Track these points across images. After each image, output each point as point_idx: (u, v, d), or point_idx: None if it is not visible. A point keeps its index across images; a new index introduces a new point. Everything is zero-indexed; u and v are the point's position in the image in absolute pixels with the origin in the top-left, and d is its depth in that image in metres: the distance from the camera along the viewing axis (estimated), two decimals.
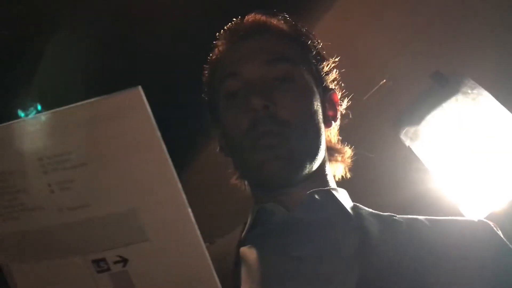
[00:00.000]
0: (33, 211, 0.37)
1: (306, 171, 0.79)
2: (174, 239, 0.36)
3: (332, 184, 0.86)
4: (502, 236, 0.74)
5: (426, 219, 0.77)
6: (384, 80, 1.55)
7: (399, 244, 0.71)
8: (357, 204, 0.82)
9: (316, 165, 0.81)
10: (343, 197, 0.82)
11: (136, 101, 0.34)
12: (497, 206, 1.35)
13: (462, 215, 1.35)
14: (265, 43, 0.84)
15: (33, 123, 0.37)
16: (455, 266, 0.66)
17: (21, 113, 1.62)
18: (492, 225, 0.75)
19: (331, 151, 0.91)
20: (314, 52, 0.88)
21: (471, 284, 0.65)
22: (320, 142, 0.82)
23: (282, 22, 0.87)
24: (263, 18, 0.87)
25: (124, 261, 0.37)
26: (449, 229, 0.75)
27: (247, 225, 0.80)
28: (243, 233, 0.79)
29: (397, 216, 0.78)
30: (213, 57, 0.89)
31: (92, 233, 0.37)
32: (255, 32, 0.85)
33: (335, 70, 0.91)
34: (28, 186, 0.37)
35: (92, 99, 0.35)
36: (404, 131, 1.49)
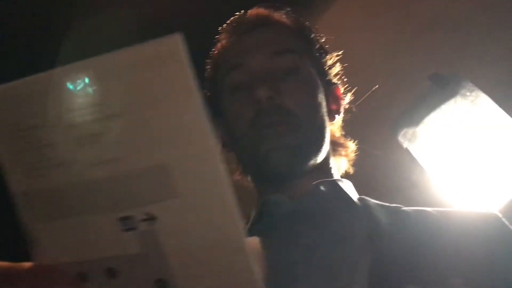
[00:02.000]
0: (60, 167, 0.36)
1: (312, 162, 0.79)
2: (205, 197, 0.35)
3: (337, 176, 0.86)
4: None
5: (434, 210, 0.76)
6: (377, 86, 1.56)
7: (409, 231, 0.71)
8: (364, 196, 0.82)
9: (321, 157, 0.81)
10: (349, 188, 0.82)
11: (174, 48, 0.32)
12: (495, 208, 1.35)
13: None
14: (269, 36, 0.84)
15: (64, 73, 0.35)
16: (466, 254, 0.66)
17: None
18: (501, 217, 0.75)
19: (335, 145, 0.91)
20: (318, 46, 0.88)
21: (481, 273, 0.64)
22: (325, 134, 0.82)
23: (285, 16, 0.87)
24: (266, 11, 0.87)
25: (152, 219, 0.35)
26: (458, 219, 0.75)
27: (251, 218, 0.79)
28: (248, 226, 0.78)
29: (404, 207, 0.78)
30: (216, 51, 0.89)
31: (121, 189, 0.35)
32: (259, 25, 0.85)
33: (338, 64, 0.91)
34: (55, 140, 0.36)
35: (129, 47, 0.33)
36: (402, 132, 1.49)
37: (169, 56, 0.32)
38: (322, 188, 0.77)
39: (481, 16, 1.41)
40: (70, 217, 0.37)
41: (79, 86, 0.34)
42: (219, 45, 0.89)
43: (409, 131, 1.48)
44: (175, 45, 0.32)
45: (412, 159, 1.48)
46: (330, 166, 0.85)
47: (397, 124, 1.50)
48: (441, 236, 0.69)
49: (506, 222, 0.74)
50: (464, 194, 1.40)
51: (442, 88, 1.43)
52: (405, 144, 1.49)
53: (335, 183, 0.79)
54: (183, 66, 0.32)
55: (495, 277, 0.64)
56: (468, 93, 1.41)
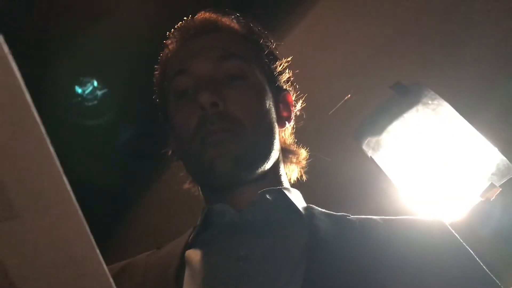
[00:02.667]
0: None
1: (258, 170, 0.77)
2: (49, 214, 0.32)
3: (286, 184, 0.84)
4: (456, 234, 0.73)
5: (380, 218, 0.75)
6: (349, 95, 1.57)
7: (350, 241, 0.69)
8: (311, 205, 0.81)
9: (269, 165, 0.79)
10: (296, 197, 0.80)
11: None
12: (457, 215, 1.36)
13: None
14: (216, 41, 0.83)
15: None
16: (409, 263, 0.65)
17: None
18: (447, 224, 0.74)
19: (286, 152, 0.90)
20: (267, 51, 0.87)
21: (424, 281, 0.63)
22: (273, 141, 0.80)
23: (234, 20, 0.87)
24: (214, 16, 0.86)
25: None
26: (403, 227, 0.73)
27: (196, 228, 0.77)
28: (191, 236, 0.76)
29: (351, 216, 0.77)
30: (163, 57, 0.88)
31: None
32: (206, 30, 0.84)
33: (288, 70, 0.90)
34: None
35: None
36: (366, 141, 1.49)
37: None
38: (268, 196, 0.76)
39: (443, 25, 1.44)
40: None
41: None
42: (166, 50, 0.88)
43: (373, 139, 1.49)
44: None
45: (377, 167, 1.48)
46: (279, 173, 0.84)
47: (361, 133, 1.51)
48: (385, 246, 0.68)
49: (450, 228, 0.73)
50: (428, 201, 1.41)
51: (403, 96, 1.44)
52: (369, 153, 1.50)
53: (280, 192, 0.77)
54: (7, 70, 0.29)
55: (439, 286, 0.63)
56: (429, 102, 1.43)
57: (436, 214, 1.31)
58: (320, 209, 0.80)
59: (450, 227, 0.74)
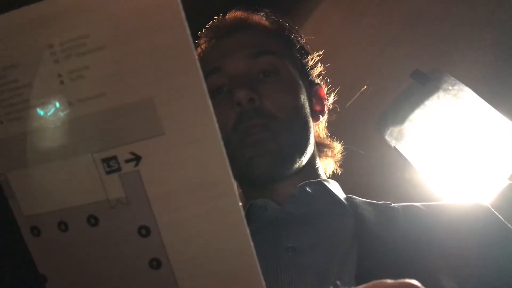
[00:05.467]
0: (39, 108, 0.33)
1: (296, 165, 0.78)
2: (191, 135, 0.33)
3: (324, 177, 0.84)
4: (501, 217, 0.73)
5: (422, 204, 0.75)
6: (365, 87, 1.56)
7: (396, 227, 0.69)
8: (351, 195, 0.81)
9: (305, 159, 0.79)
10: (335, 188, 0.80)
11: None
12: (486, 200, 1.35)
13: None
14: (248, 38, 0.83)
15: (42, 6, 0.32)
16: (456, 249, 0.64)
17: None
18: (491, 208, 0.74)
19: (320, 146, 0.90)
20: (298, 46, 0.87)
21: (472, 267, 0.62)
22: (309, 135, 0.81)
23: (264, 17, 0.87)
24: (244, 14, 0.86)
25: (137, 158, 0.33)
26: (447, 213, 0.73)
27: None
28: None
29: (393, 204, 0.77)
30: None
31: (104, 127, 0.33)
32: (237, 28, 0.84)
33: (320, 64, 0.90)
34: (34, 79, 0.33)
35: None
36: (389, 131, 1.49)
37: None
38: (308, 189, 0.76)
39: (460, 9, 1.43)
40: (49, 161, 0.34)
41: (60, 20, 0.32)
42: (198, 49, 0.88)
43: (395, 129, 1.48)
44: None
45: (401, 157, 1.48)
46: (316, 167, 0.84)
47: (383, 123, 1.50)
48: (431, 232, 0.67)
49: (496, 213, 0.72)
50: (455, 188, 1.40)
51: (424, 84, 1.44)
52: (393, 143, 1.49)
53: (321, 184, 0.78)
54: None
55: (487, 271, 0.62)
56: (450, 87, 1.42)
57: (468, 199, 1.31)
58: (361, 198, 0.80)
59: (494, 211, 0.73)
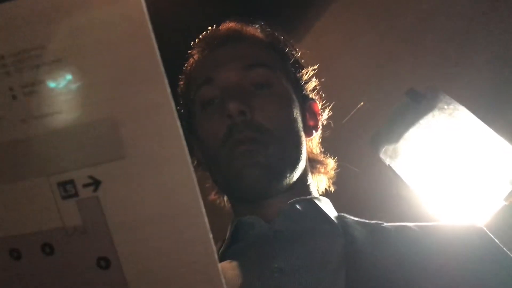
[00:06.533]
0: None
1: (287, 180, 0.75)
2: (157, 158, 0.30)
3: (315, 194, 0.82)
4: (496, 240, 0.70)
5: (415, 225, 0.73)
6: (362, 103, 1.55)
7: (388, 248, 0.67)
8: (343, 214, 0.78)
9: (297, 175, 0.77)
10: (326, 206, 0.78)
11: None
12: (481, 220, 1.33)
13: None
14: (241, 50, 0.81)
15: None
16: (450, 272, 0.62)
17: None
18: (486, 229, 0.71)
19: (313, 162, 0.88)
20: (292, 60, 0.85)
21: None
22: (301, 150, 0.78)
23: (258, 29, 0.85)
24: (239, 25, 0.84)
25: (95, 183, 0.31)
26: (441, 234, 0.71)
27: (225, 241, 0.75)
28: (221, 250, 0.74)
29: (385, 223, 0.74)
30: (188, 67, 0.86)
31: (60, 148, 0.31)
32: (231, 39, 0.82)
33: (314, 79, 0.89)
34: None
35: None
36: (383, 149, 1.47)
37: None
38: (297, 206, 0.74)
39: (455, 28, 1.43)
40: (0, 183, 0.32)
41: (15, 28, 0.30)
42: (191, 60, 0.86)
43: (390, 147, 1.47)
44: None
45: (396, 175, 1.46)
46: (308, 183, 0.81)
47: (377, 141, 1.49)
48: (423, 254, 0.65)
49: (491, 235, 0.70)
50: (450, 207, 1.38)
51: (419, 103, 1.42)
52: (387, 161, 1.47)
53: (311, 201, 0.75)
54: (138, 4, 0.28)
55: None
56: (445, 106, 1.41)
57: (463, 220, 1.29)
58: (352, 217, 0.77)
59: (489, 233, 0.71)
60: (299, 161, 0.77)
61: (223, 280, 0.32)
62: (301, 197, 0.75)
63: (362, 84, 1.55)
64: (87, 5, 0.29)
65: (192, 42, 0.87)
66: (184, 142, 0.30)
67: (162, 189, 0.30)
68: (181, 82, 0.88)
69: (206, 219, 0.31)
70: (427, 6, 1.47)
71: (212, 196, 0.88)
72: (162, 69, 0.29)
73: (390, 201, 1.44)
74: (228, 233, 0.76)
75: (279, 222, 0.73)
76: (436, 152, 1.41)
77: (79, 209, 0.31)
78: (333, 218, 0.75)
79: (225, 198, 0.86)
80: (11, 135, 0.31)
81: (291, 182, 0.76)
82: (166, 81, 0.29)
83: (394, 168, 1.46)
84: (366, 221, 0.76)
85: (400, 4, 1.53)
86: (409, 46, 1.47)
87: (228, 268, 0.68)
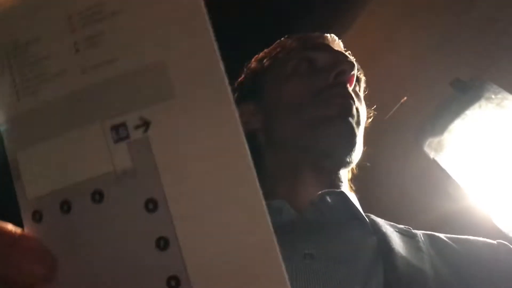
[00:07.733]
0: (53, 80, 0.33)
1: (353, 156, 0.77)
2: (203, 97, 0.31)
3: (346, 188, 0.82)
4: None
5: (445, 236, 0.73)
6: (405, 98, 1.51)
7: (418, 254, 0.66)
8: (369, 214, 0.77)
9: (353, 163, 0.80)
10: (355, 202, 0.77)
11: None
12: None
13: (495, 227, 1.28)
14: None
15: None
16: (477, 283, 0.62)
17: None
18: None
19: None
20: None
21: None
22: (361, 145, 0.81)
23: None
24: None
25: (146, 124, 0.31)
26: (470, 248, 0.70)
27: None
28: None
29: (413, 229, 0.75)
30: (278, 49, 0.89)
31: (115, 93, 0.32)
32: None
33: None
34: (52, 51, 0.33)
35: None
36: (428, 142, 1.43)
37: None
38: (327, 198, 0.73)
39: (499, 14, 1.36)
40: (57, 136, 0.33)
41: None
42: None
43: (435, 140, 1.42)
44: None
45: (441, 169, 1.41)
46: (345, 177, 0.83)
47: (422, 134, 1.44)
48: (454, 263, 0.65)
49: None
50: (498, 201, 1.33)
51: (465, 93, 1.37)
52: (432, 154, 1.43)
53: (342, 194, 0.75)
54: None
55: None
56: (493, 96, 1.35)
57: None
58: (380, 218, 0.77)
59: None
60: (359, 152, 0.79)
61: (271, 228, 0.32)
62: (333, 189, 0.75)
63: (404, 77, 1.51)
64: None
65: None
66: (226, 81, 0.31)
67: (207, 128, 0.31)
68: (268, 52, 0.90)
69: (249, 157, 0.31)
70: None
71: None
72: (206, 16, 0.31)
73: (435, 197, 1.40)
74: None
75: (309, 212, 0.72)
76: (483, 145, 1.35)
77: (129, 151, 0.32)
78: (364, 215, 0.74)
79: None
80: (72, 87, 0.32)
81: (352, 162, 0.78)
82: (210, 28, 0.31)
83: (439, 162, 1.41)
84: (394, 224, 0.76)
85: None
86: (454, 37, 1.41)
87: None
